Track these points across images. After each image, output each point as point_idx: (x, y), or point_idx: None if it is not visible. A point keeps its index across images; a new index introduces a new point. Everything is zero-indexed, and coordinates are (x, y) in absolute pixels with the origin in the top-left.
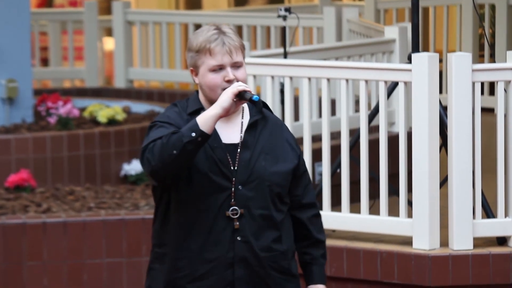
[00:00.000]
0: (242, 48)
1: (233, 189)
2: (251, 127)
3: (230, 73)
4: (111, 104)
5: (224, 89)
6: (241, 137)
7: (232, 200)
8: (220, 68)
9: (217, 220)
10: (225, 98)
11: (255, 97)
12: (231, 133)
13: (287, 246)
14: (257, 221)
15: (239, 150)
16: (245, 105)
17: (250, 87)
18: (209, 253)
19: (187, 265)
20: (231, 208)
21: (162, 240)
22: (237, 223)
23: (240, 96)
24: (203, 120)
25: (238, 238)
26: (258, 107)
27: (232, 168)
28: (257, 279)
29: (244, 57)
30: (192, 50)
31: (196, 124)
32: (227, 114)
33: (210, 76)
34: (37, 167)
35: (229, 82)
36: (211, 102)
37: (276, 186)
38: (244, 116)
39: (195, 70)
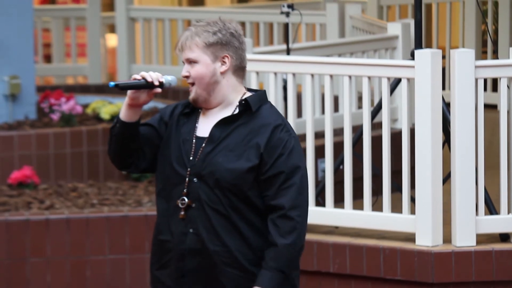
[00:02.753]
0: (202, 45)
1: (187, 179)
2: (222, 122)
3: (184, 69)
4: (114, 100)
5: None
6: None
7: (185, 190)
8: (184, 63)
9: (174, 210)
10: (143, 73)
11: (111, 83)
12: (208, 126)
13: (246, 245)
14: (210, 214)
15: (203, 143)
16: (237, 102)
17: (172, 79)
18: (168, 243)
19: (156, 253)
20: (181, 198)
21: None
22: (183, 212)
23: (147, 86)
24: (121, 109)
25: (191, 230)
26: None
27: (191, 158)
28: (208, 272)
29: (213, 52)
30: None
31: (118, 112)
32: (133, 102)
33: None
34: (40, 164)
35: (186, 78)
36: None
37: (224, 182)
38: (229, 112)
39: None
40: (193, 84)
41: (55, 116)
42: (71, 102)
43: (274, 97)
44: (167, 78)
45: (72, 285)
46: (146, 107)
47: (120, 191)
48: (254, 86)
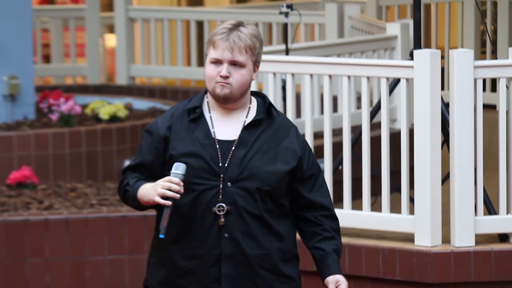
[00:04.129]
0: (251, 49)
1: (221, 185)
2: (251, 125)
3: (225, 69)
4: (113, 101)
5: (217, 82)
6: (238, 134)
7: (220, 196)
8: (219, 62)
9: (204, 216)
10: (151, 197)
11: (161, 235)
12: (230, 129)
13: (280, 246)
14: (246, 219)
15: (233, 147)
16: (253, 103)
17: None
18: (197, 249)
19: (177, 260)
20: (218, 205)
21: (157, 234)
22: (223, 219)
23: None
24: (140, 196)
25: (226, 235)
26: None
27: (221, 165)
28: (244, 277)
29: (254, 60)
30: (208, 39)
31: (136, 195)
32: (148, 204)
33: (209, 67)
34: (39, 164)
35: (222, 77)
36: (209, 92)
37: (266, 186)
38: (249, 114)
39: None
40: (226, 82)
41: (54, 117)
42: (70, 102)
43: (273, 97)
44: (181, 174)
45: (72, 285)
46: (145, 107)
47: None
48: (253, 86)
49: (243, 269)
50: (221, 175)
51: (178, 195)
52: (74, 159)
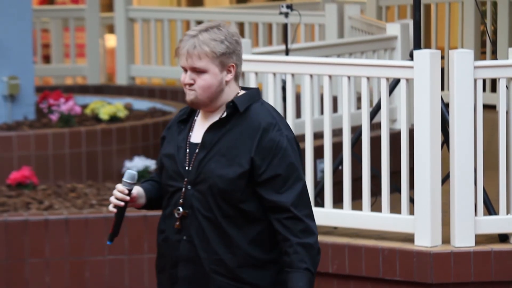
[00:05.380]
0: (207, 54)
1: (183, 189)
2: (214, 126)
3: (187, 76)
4: (113, 101)
5: (185, 89)
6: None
7: (181, 200)
8: (185, 69)
9: (171, 218)
10: (110, 198)
11: (108, 242)
12: (201, 132)
13: (238, 252)
14: (201, 222)
15: (197, 150)
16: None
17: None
18: (163, 250)
19: (158, 257)
20: (177, 208)
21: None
22: (178, 222)
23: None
24: None
25: (184, 238)
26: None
27: (187, 168)
28: (200, 280)
29: (220, 62)
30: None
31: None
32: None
33: (182, 75)
34: (39, 164)
35: (186, 84)
36: None
37: (216, 189)
38: (222, 116)
39: None
40: (191, 88)
41: (54, 117)
42: (70, 102)
43: (273, 97)
44: (128, 182)
45: (71, 285)
46: (144, 107)
47: None
48: (253, 86)
49: (199, 272)
50: (185, 179)
51: (122, 203)
52: (74, 159)
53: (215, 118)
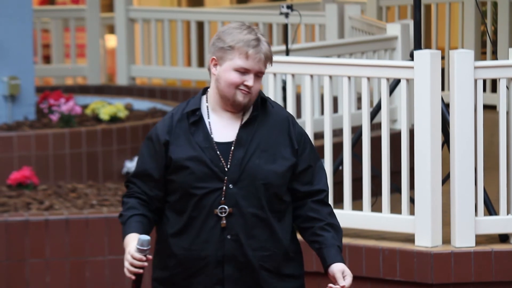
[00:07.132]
0: (271, 59)
1: (224, 188)
2: (247, 124)
3: (252, 79)
4: (113, 101)
5: (240, 90)
6: (236, 134)
7: (222, 198)
8: (247, 72)
9: (207, 218)
10: (126, 265)
11: None
12: (228, 131)
13: (282, 246)
14: (249, 220)
15: (232, 148)
16: None
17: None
18: (200, 252)
19: (180, 263)
20: (220, 207)
21: (160, 236)
22: (224, 221)
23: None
24: (124, 244)
25: (228, 237)
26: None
27: (223, 167)
28: (247, 278)
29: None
30: (226, 43)
31: (124, 239)
32: None
33: (233, 74)
34: (39, 165)
35: (247, 87)
36: (222, 95)
37: (271, 185)
38: (246, 113)
39: (218, 62)
40: (249, 91)
41: (54, 117)
42: (70, 102)
43: (273, 97)
44: (143, 249)
45: (72, 286)
46: (145, 107)
47: (119, 192)
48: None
49: (246, 270)
50: (225, 178)
51: (141, 270)
52: (75, 159)
53: (237, 116)
